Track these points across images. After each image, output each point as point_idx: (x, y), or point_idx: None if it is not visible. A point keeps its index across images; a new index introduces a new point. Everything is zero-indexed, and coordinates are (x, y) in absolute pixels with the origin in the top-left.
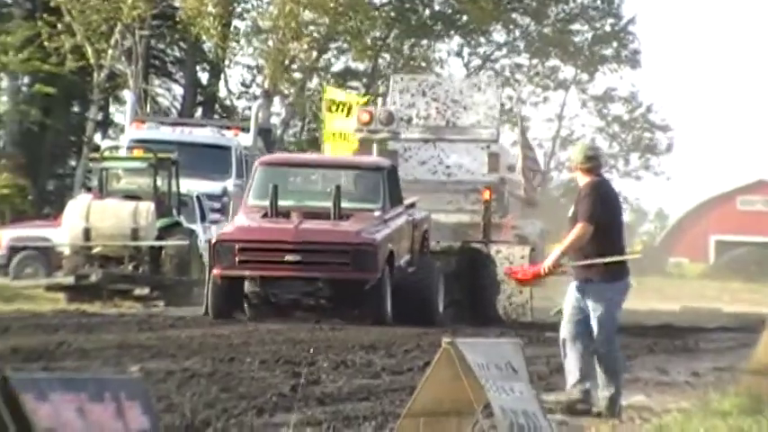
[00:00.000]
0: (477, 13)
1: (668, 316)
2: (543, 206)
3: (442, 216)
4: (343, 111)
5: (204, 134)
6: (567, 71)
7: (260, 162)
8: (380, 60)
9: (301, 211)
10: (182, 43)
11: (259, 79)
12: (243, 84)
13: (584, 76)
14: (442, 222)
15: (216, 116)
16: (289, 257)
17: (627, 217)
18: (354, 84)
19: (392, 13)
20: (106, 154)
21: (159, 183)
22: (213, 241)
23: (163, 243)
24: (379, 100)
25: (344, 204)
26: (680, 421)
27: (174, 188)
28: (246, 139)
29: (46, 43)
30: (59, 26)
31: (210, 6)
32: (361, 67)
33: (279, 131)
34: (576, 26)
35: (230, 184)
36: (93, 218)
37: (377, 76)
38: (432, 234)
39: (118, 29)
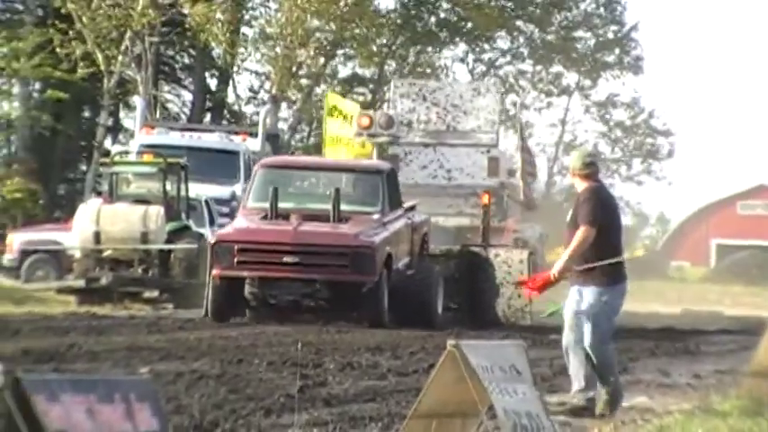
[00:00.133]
0: (481, 21)
1: (670, 319)
2: (545, 210)
3: (442, 219)
4: (346, 119)
5: (213, 139)
6: (571, 77)
7: (260, 164)
8: (387, 67)
9: (301, 213)
10: (191, 50)
11: (267, 85)
12: (251, 89)
13: (588, 83)
14: (442, 226)
15: (224, 121)
16: (287, 259)
17: (629, 221)
18: (361, 90)
19: (398, 21)
20: (116, 159)
21: (168, 187)
22: (212, 242)
23: (172, 246)
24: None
25: (344, 207)
26: (681, 422)
27: (183, 192)
28: (254, 144)
29: (57, 50)
30: (70, 33)
31: (219, 13)
32: (367, 73)
33: (286, 136)
34: (579, 33)
35: (238, 188)
36: (103, 222)
37: (383, 83)
38: (432, 237)
39: (128, 36)
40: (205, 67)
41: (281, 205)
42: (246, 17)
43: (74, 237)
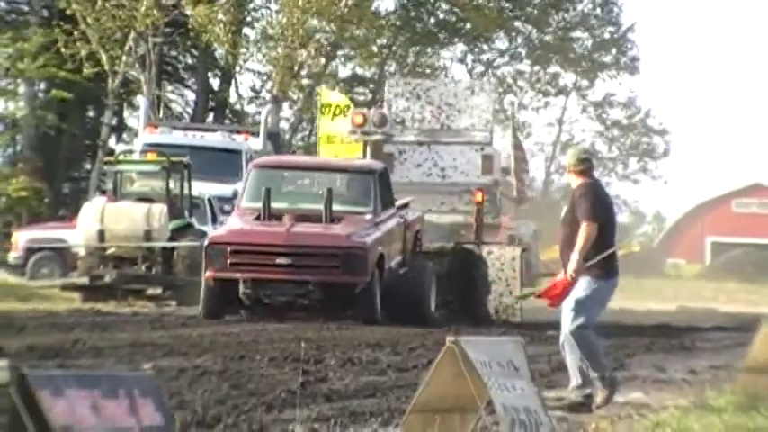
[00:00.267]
0: (480, 21)
1: (666, 315)
2: (542, 208)
3: (436, 217)
4: (338, 114)
5: (215, 138)
6: (568, 77)
7: (254, 165)
8: (387, 67)
9: (294, 213)
10: (193, 50)
11: (268, 85)
12: (253, 89)
13: (585, 83)
14: (436, 223)
15: (227, 121)
16: (280, 260)
17: (625, 219)
18: (361, 90)
19: (398, 22)
20: (120, 158)
21: (172, 185)
22: (206, 243)
23: (175, 244)
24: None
25: (336, 207)
26: (677, 418)
27: (186, 191)
28: (256, 144)
29: (62, 50)
30: (75, 33)
31: (221, 14)
32: (367, 73)
33: (287, 136)
34: (576, 34)
35: (240, 186)
36: (107, 220)
37: (383, 83)
38: (426, 234)
39: (132, 36)
40: (208, 68)
41: (275, 205)
42: (248, 18)
43: (78, 235)
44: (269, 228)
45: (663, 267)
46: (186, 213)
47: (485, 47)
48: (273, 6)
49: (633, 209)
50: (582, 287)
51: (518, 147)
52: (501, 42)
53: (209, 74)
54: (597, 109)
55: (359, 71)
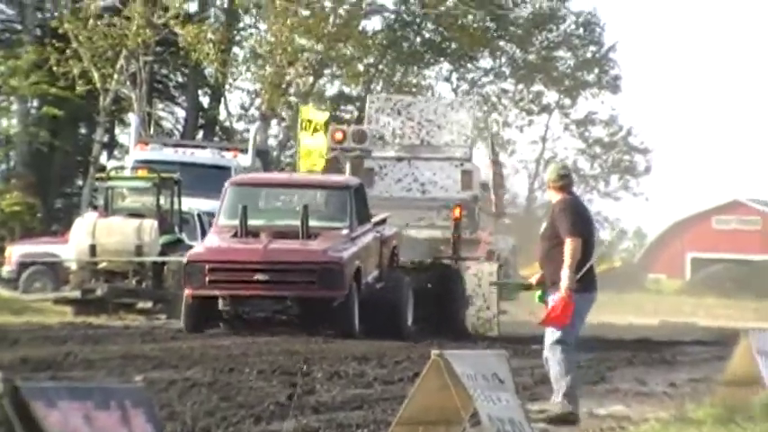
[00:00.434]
0: (465, 41)
1: (646, 330)
2: (524, 224)
3: (415, 232)
4: (318, 130)
5: (205, 155)
6: (551, 96)
7: (230, 182)
8: (373, 85)
9: (271, 230)
10: (184, 68)
11: (257, 103)
12: (242, 107)
13: (567, 101)
14: (415, 238)
15: (216, 138)
16: (258, 277)
17: (607, 235)
18: (349, 108)
19: (384, 41)
20: (112, 174)
21: (162, 201)
22: (185, 261)
23: (165, 259)
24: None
25: (313, 223)
26: (657, 430)
27: (176, 206)
28: (245, 160)
29: (54, 68)
30: (67, 52)
31: (210, 34)
32: (354, 92)
33: (276, 153)
34: (559, 53)
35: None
36: (98, 235)
37: None
38: (405, 250)
39: (123, 55)
40: (198, 86)
41: (252, 222)
42: (237, 38)
43: (70, 249)
44: (246, 245)
45: (644, 282)
46: (176, 228)
47: (469, 66)
48: (262, 26)
49: (615, 225)
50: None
51: (496, 162)
52: (485, 61)
53: (199, 92)
54: (579, 127)
55: (345, 89)
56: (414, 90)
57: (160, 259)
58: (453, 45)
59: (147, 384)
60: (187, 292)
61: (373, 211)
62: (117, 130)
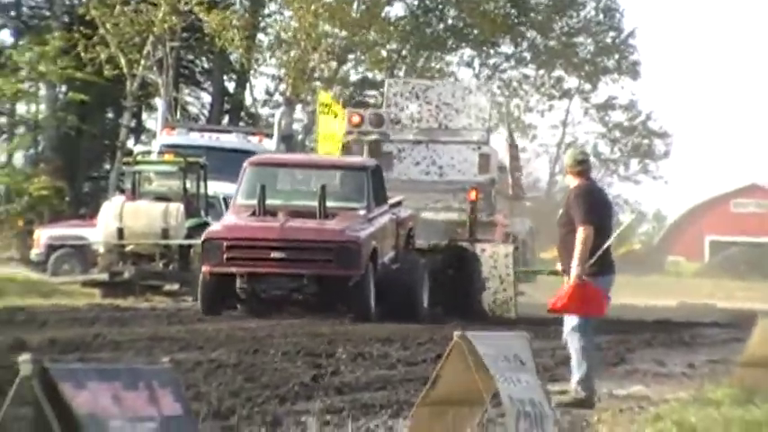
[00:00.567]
0: (487, 27)
1: (666, 311)
2: (545, 207)
3: (432, 214)
4: (337, 117)
5: (230, 140)
6: (571, 81)
7: (249, 162)
8: (396, 71)
9: (288, 209)
10: (209, 54)
11: (282, 88)
12: (267, 92)
13: (588, 86)
14: (432, 221)
15: (242, 123)
16: (275, 255)
17: (627, 218)
18: (372, 93)
19: (407, 27)
20: (139, 158)
21: (188, 185)
22: (202, 239)
23: (191, 242)
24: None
25: (330, 203)
26: (676, 410)
27: (202, 190)
28: (270, 145)
29: (82, 54)
30: (95, 38)
31: (235, 20)
32: (378, 77)
33: (300, 137)
34: (579, 39)
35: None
36: (126, 218)
37: None
38: (422, 232)
39: (150, 40)
40: (223, 71)
41: (270, 202)
42: (262, 24)
43: (98, 232)
44: (264, 223)
45: (663, 265)
46: (202, 212)
47: (491, 51)
48: (287, 12)
49: (634, 208)
50: None
51: (512, 145)
52: (507, 47)
53: (225, 77)
54: (600, 112)
55: (369, 75)
56: (436, 75)
57: (186, 242)
58: (475, 31)
59: (173, 365)
60: (204, 269)
61: (392, 194)
62: (144, 115)
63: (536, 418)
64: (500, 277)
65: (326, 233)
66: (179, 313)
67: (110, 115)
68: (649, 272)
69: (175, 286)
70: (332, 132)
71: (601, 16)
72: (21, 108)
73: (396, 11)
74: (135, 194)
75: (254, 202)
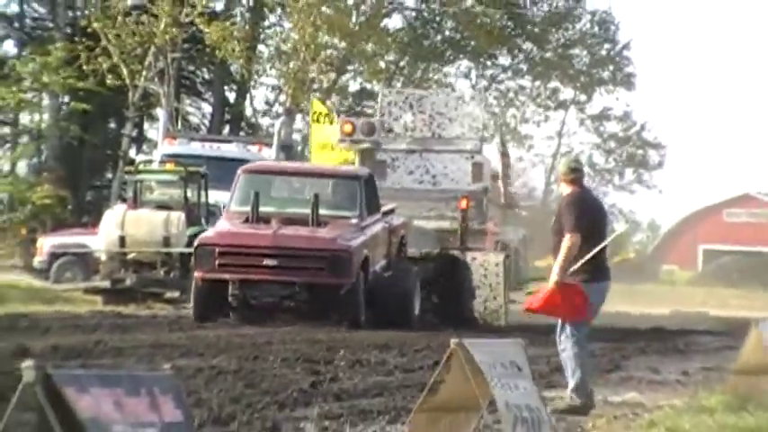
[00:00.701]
0: (484, 39)
1: (660, 319)
2: (539, 216)
3: (424, 223)
4: (328, 122)
5: (231, 149)
6: (567, 92)
7: (243, 170)
8: (394, 82)
9: (281, 217)
10: (210, 65)
11: (281, 98)
12: (267, 103)
13: (583, 97)
14: (424, 229)
15: (242, 133)
16: (267, 262)
17: (621, 227)
18: (370, 103)
19: (405, 39)
20: (140, 167)
21: (189, 194)
22: (195, 245)
23: (192, 250)
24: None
25: (323, 211)
26: (670, 417)
27: (202, 199)
28: (270, 154)
29: (84, 65)
30: (97, 49)
31: (235, 32)
32: (376, 88)
33: (300, 147)
34: (575, 51)
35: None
36: (127, 226)
37: None
38: (414, 240)
39: (151, 51)
40: (224, 82)
41: (263, 209)
42: (262, 36)
43: (100, 240)
44: (256, 230)
45: (657, 273)
46: (203, 220)
47: (488, 63)
48: (287, 24)
49: (629, 217)
50: None
51: (504, 153)
52: (504, 59)
53: (225, 87)
54: (595, 122)
55: (367, 86)
56: (434, 86)
57: (187, 250)
58: (472, 43)
59: (174, 372)
60: (197, 274)
61: (386, 203)
62: (145, 125)
63: (533, 423)
64: (490, 285)
65: (318, 241)
66: (180, 320)
67: (112, 125)
68: (644, 280)
69: (176, 293)
70: (327, 141)
71: (596, 29)
72: (24, 118)
73: (394, 23)
74: (137, 203)
75: (248, 209)
